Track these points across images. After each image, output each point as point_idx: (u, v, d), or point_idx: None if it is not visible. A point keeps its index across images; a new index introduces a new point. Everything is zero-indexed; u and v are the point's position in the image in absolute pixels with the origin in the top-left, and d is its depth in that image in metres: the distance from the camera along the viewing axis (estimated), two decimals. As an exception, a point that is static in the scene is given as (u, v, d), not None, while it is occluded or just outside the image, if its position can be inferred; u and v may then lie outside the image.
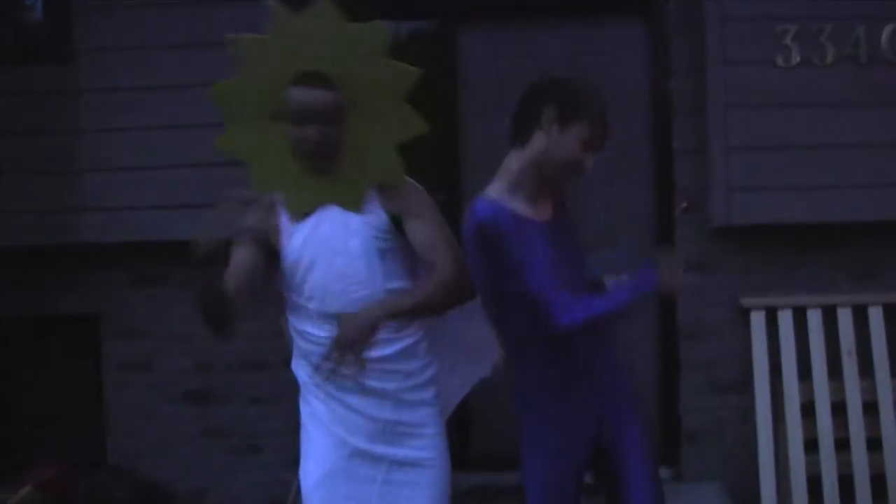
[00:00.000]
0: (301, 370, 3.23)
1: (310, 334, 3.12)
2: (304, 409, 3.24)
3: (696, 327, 5.66)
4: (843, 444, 5.39)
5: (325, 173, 3.02)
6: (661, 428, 5.78)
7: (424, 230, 3.08)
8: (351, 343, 2.92)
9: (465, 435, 5.87)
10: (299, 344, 3.20)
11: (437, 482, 3.20)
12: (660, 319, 5.82)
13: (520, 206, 3.09)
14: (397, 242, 3.12)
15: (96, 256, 5.67)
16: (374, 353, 3.03)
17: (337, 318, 3.00)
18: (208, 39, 5.35)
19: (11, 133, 5.58)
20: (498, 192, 3.11)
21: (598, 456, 3.25)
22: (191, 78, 5.33)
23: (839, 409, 5.43)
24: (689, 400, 5.69)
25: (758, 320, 5.53)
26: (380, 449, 3.14)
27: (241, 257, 3.07)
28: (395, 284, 3.12)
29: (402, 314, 3.01)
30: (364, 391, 3.09)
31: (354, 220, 3.07)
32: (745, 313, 5.57)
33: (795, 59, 5.43)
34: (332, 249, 3.06)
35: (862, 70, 5.44)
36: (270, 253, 3.14)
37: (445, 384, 3.33)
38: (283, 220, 3.14)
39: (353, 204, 3.04)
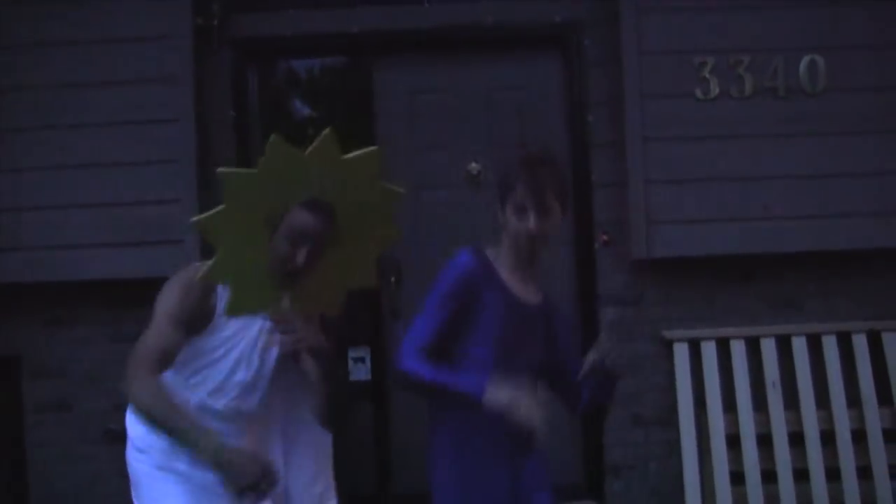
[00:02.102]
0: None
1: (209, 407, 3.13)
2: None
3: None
4: (769, 476, 5.27)
5: (293, 284, 3.02)
6: (585, 462, 5.62)
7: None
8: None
9: (386, 472, 5.71)
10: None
11: None
12: (581, 355, 5.63)
13: (503, 273, 3.07)
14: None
15: (13, 297, 5.50)
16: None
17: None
18: (119, 78, 5.33)
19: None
20: (489, 252, 3.11)
21: None
22: (104, 117, 5.28)
23: (765, 440, 5.31)
24: (614, 434, 5.53)
25: (681, 352, 5.41)
26: None
27: (173, 350, 3.03)
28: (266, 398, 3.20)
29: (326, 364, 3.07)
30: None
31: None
32: (668, 346, 5.45)
33: (714, 91, 5.35)
34: (254, 352, 3.11)
35: (780, 101, 5.37)
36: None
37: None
38: (219, 306, 3.06)
39: (329, 307, 3.14)
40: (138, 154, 5.33)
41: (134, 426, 3.21)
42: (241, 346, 3.10)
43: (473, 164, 5.64)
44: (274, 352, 3.11)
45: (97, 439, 5.56)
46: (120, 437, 5.39)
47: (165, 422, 2.91)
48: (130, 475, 3.24)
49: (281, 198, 2.93)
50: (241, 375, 3.11)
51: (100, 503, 5.54)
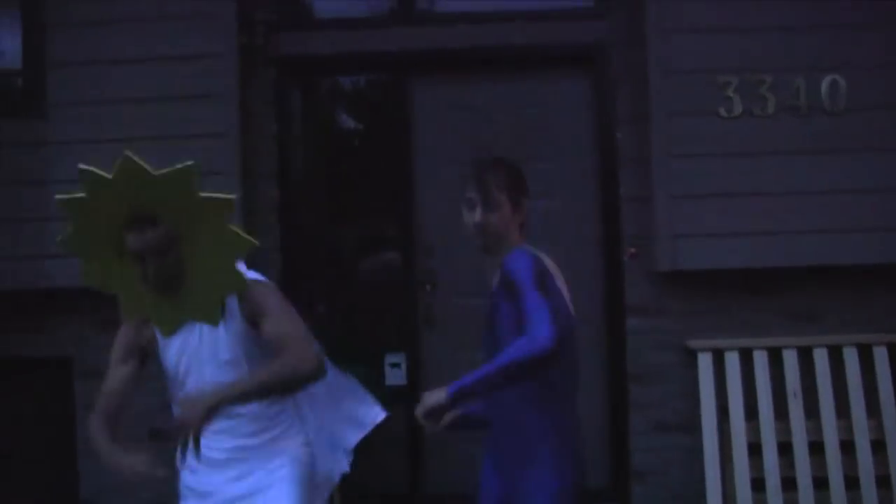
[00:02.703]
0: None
1: None
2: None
3: (645, 370, 5.65)
4: (789, 484, 5.35)
5: (178, 295, 3.11)
6: (610, 467, 5.76)
7: (273, 325, 3.09)
8: (189, 425, 2.88)
9: (418, 472, 5.87)
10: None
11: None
12: (609, 363, 5.81)
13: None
14: (262, 341, 3.16)
15: (65, 301, 5.73)
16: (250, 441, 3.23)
17: (179, 402, 3.10)
18: (166, 94, 5.52)
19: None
20: None
21: None
22: (152, 131, 5.40)
23: (785, 448, 5.40)
24: (638, 439, 5.66)
25: (705, 362, 5.50)
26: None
27: (116, 385, 3.22)
28: None
29: (243, 397, 3.00)
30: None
31: (219, 330, 3.15)
32: (691, 355, 5.56)
33: (737, 109, 5.45)
34: (201, 360, 3.17)
35: (802, 120, 5.46)
36: (140, 358, 3.28)
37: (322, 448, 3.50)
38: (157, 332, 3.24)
39: (209, 318, 3.13)
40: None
41: None
42: (187, 354, 3.20)
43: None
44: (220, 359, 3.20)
45: (143, 438, 5.76)
46: (165, 436, 5.64)
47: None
48: None
49: (116, 214, 3.01)
50: (193, 383, 3.21)
51: (146, 501, 5.75)
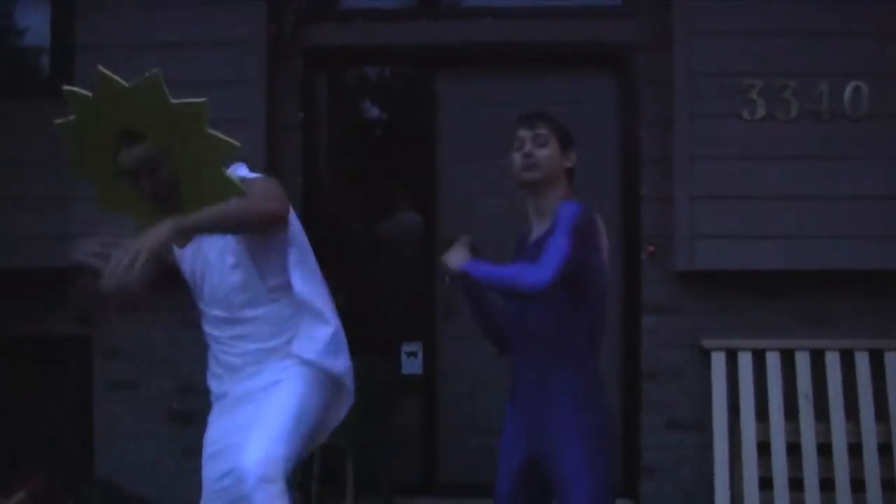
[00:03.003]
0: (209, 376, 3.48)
1: (210, 335, 3.39)
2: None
3: (659, 368, 5.70)
4: (797, 484, 5.39)
5: (178, 206, 3.09)
6: (622, 463, 5.79)
7: (249, 186, 3.12)
8: (146, 243, 2.80)
9: (432, 462, 5.92)
10: (209, 346, 3.44)
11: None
12: (623, 360, 5.86)
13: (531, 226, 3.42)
14: (267, 243, 3.24)
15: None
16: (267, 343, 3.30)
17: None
18: (195, 79, 5.50)
19: (10, 163, 5.69)
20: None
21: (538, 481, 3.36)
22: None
23: (794, 449, 5.44)
24: (650, 437, 5.71)
25: (718, 361, 5.54)
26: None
27: None
28: (275, 281, 3.28)
29: (203, 224, 2.97)
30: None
31: (225, 237, 3.24)
32: (705, 354, 5.60)
33: (760, 112, 5.48)
34: (211, 266, 3.29)
35: (824, 125, 5.48)
36: (166, 267, 3.36)
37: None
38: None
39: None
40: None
41: None
42: (199, 262, 3.31)
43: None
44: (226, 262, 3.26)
45: (162, 418, 5.83)
46: (183, 416, 5.71)
47: None
48: None
49: (108, 129, 3.04)
50: (208, 290, 3.32)
51: (162, 479, 5.78)
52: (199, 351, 3.62)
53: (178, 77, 5.49)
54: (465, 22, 5.89)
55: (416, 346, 5.94)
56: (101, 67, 2.95)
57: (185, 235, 2.94)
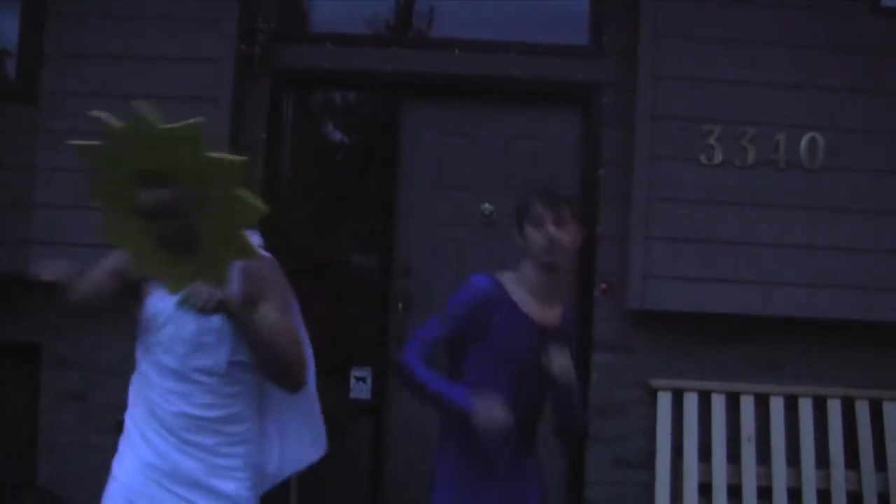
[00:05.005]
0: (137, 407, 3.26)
1: (148, 377, 3.19)
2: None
3: (607, 404, 5.67)
4: (737, 525, 5.39)
5: (187, 255, 3.00)
6: (566, 497, 5.75)
7: (269, 313, 3.05)
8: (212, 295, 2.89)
9: (378, 487, 5.85)
10: (138, 383, 3.25)
11: None
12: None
13: (520, 296, 3.26)
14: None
15: (39, 288, 5.65)
16: (201, 412, 3.12)
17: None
18: (160, 93, 5.51)
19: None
20: (505, 277, 3.31)
21: None
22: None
23: (736, 491, 5.44)
24: (596, 472, 5.68)
25: (664, 401, 5.55)
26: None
27: (98, 278, 3.17)
28: (238, 357, 3.14)
29: (246, 319, 2.98)
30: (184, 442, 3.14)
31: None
32: (653, 393, 5.59)
33: (718, 158, 5.50)
34: (183, 317, 3.07)
35: (780, 174, 5.51)
36: (126, 289, 3.20)
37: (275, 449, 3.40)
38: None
39: (217, 281, 3.00)
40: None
41: None
42: (173, 303, 3.05)
43: (486, 205, 5.84)
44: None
45: (108, 430, 5.72)
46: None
47: None
48: None
49: (126, 171, 2.92)
50: (169, 332, 3.14)
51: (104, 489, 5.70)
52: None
53: (144, 90, 5.49)
54: (435, 52, 5.84)
55: (365, 372, 5.88)
56: (136, 103, 2.80)
57: (221, 307, 2.92)
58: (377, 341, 5.91)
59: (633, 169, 5.56)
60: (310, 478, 5.36)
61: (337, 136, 6.59)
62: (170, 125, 2.81)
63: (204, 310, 2.88)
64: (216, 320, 3.06)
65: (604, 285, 5.71)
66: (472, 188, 5.88)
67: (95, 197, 3.07)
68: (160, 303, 3.14)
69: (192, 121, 2.80)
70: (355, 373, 5.90)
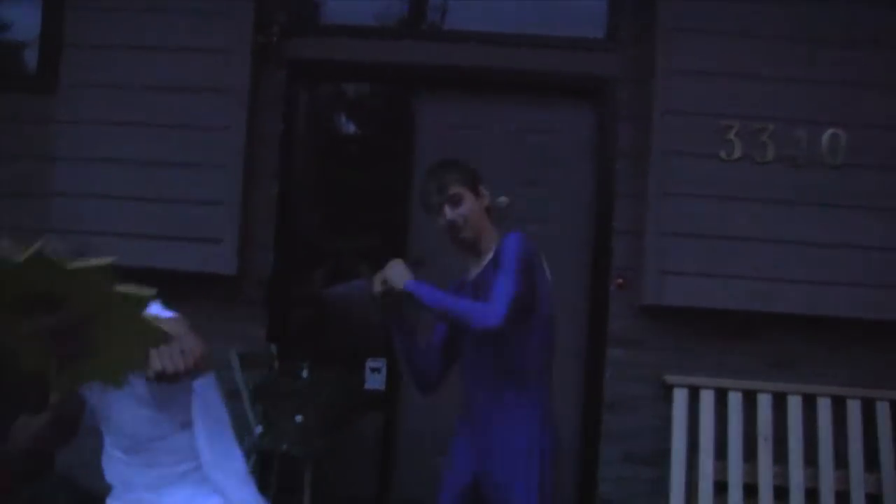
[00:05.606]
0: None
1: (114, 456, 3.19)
2: None
3: (620, 399, 5.62)
4: (751, 524, 5.31)
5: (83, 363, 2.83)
6: (578, 494, 5.71)
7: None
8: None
9: (389, 477, 5.84)
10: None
11: None
12: (586, 391, 5.76)
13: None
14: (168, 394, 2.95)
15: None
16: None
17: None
18: (179, 84, 5.55)
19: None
20: None
21: None
22: (163, 119, 5.51)
23: (751, 490, 5.37)
24: (607, 468, 5.63)
25: (680, 397, 5.47)
26: None
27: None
28: (185, 416, 3.02)
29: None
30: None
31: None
32: (668, 390, 5.52)
33: (737, 153, 5.42)
34: (118, 397, 2.95)
35: (799, 171, 5.42)
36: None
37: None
38: None
39: (114, 383, 2.83)
40: (189, 156, 5.53)
41: None
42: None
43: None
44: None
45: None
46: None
47: None
48: None
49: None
50: (116, 417, 3.08)
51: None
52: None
53: (161, 81, 5.56)
54: (449, 45, 5.80)
55: (380, 363, 5.87)
56: (43, 241, 2.52)
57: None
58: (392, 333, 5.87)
59: (648, 164, 5.49)
60: (323, 467, 5.37)
61: (350, 127, 6.59)
62: (77, 265, 2.50)
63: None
64: (142, 387, 2.91)
65: (619, 280, 5.65)
66: (485, 180, 5.81)
67: None
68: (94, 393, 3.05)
69: (101, 260, 2.45)
70: (370, 364, 5.88)
